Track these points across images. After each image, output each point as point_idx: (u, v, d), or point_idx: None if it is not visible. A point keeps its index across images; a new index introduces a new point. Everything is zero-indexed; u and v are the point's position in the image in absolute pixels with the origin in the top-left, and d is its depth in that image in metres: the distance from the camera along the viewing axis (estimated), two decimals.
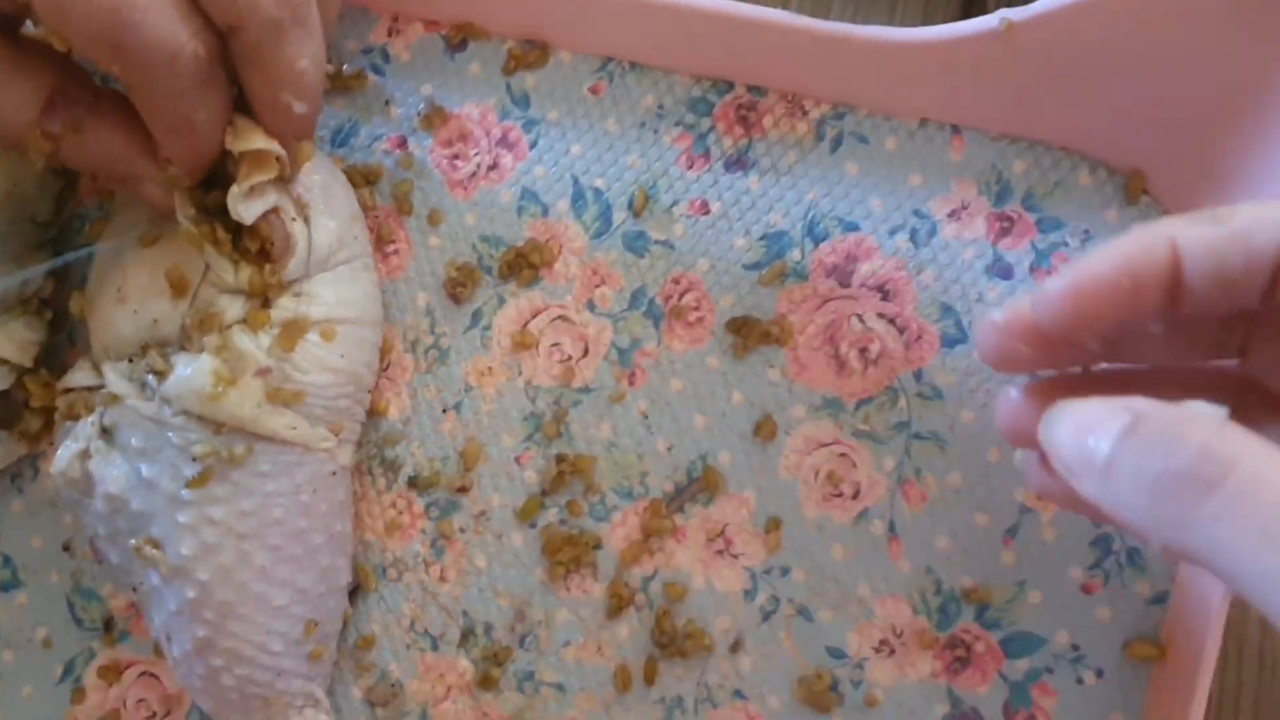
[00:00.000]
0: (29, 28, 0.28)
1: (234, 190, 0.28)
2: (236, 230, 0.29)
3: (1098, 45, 0.29)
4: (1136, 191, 0.31)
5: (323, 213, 0.30)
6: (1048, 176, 0.32)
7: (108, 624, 0.34)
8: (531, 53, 0.34)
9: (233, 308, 0.29)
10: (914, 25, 0.35)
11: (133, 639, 0.34)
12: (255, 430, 0.28)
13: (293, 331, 0.29)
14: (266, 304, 0.29)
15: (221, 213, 0.28)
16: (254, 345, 0.28)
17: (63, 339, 0.35)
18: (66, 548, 0.34)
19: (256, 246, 0.29)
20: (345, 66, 0.35)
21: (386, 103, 0.34)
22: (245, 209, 0.28)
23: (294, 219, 0.29)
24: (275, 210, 0.28)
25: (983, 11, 0.34)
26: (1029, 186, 0.32)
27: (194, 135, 0.27)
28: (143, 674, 0.34)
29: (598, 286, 0.33)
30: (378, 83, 0.34)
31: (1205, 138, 0.30)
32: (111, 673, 0.34)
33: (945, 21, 0.34)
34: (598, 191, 0.33)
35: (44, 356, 0.33)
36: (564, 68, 0.34)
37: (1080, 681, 0.31)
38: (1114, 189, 0.32)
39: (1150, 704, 0.31)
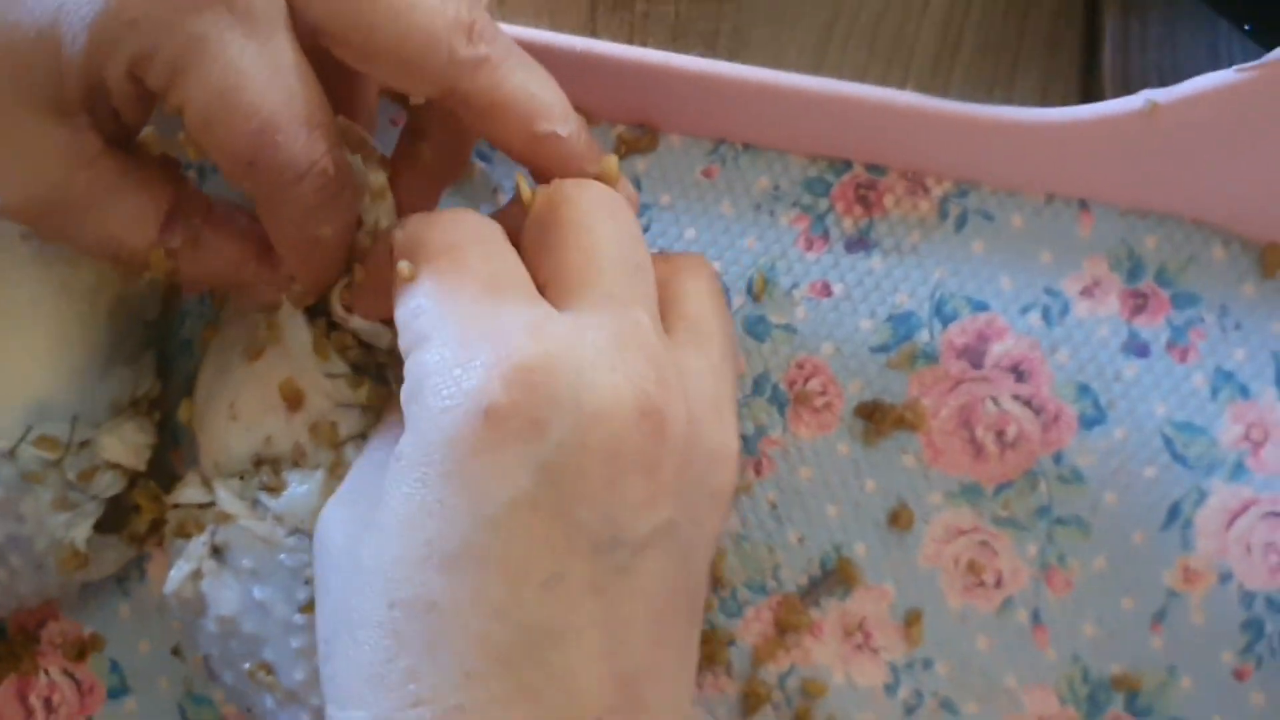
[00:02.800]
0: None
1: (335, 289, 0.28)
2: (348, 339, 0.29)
3: (1241, 125, 0.28)
4: (1274, 265, 0.31)
5: None
6: (1180, 251, 0.31)
7: None
8: (641, 138, 0.33)
9: (347, 421, 0.28)
10: (1032, 98, 0.35)
11: None
12: None
13: None
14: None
15: (333, 323, 0.28)
16: None
17: (167, 438, 0.34)
18: (176, 652, 0.34)
19: (376, 360, 0.28)
20: None
21: (494, 191, 0.34)
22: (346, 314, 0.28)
23: None
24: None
25: (1099, 84, 0.34)
26: (1161, 262, 0.31)
27: (318, 252, 0.27)
28: None
29: None
30: (485, 170, 0.34)
31: None
32: None
33: (1064, 93, 0.33)
34: None
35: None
36: (675, 151, 0.33)
37: None
38: (1249, 262, 0.31)
39: None
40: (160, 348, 0.33)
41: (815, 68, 0.36)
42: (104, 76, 0.24)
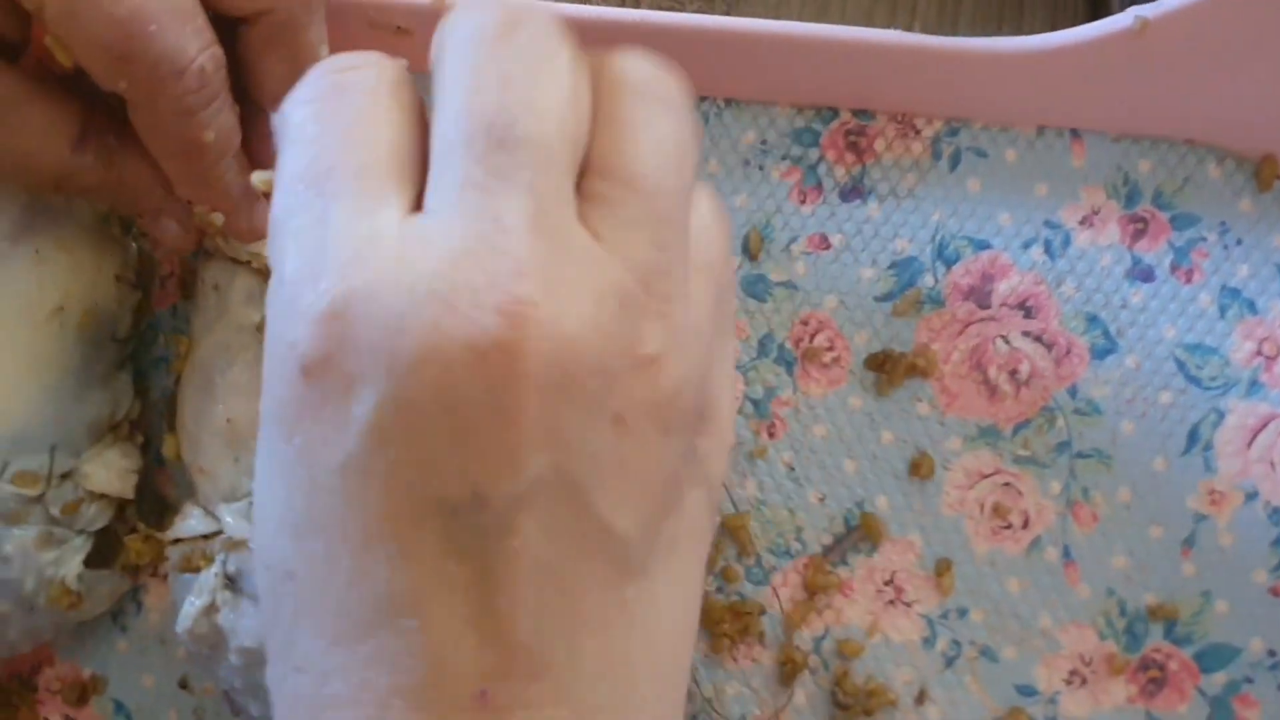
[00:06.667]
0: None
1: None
2: None
3: (1231, 38, 0.28)
4: (1269, 178, 0.31)
5: None
6: (1175, 173, 0.31)
7: None
8: None
9: None
10: (1041, 32, 0.34)
11: None
12: None
13: None
14: None
15: None
16: None
17: (150, 460, 0.32)
18: (184, 685, 0.32)
19: None
20: None
21: None
22: None
23: None
24: None
25: (1108, 13, 0.33)
26: (1157, 185, 0.31)
27: (203, 159, 0.26)
28: None
29: None
30: None
31: None
32: None
33: (1073, 25, 0.32)
34: None
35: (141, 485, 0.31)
36: None
37: None
38: (1244, 178, 0.31)
39: None
40: (136, 366, 0.32)
41: (819, 18, 0.35)
42: None
